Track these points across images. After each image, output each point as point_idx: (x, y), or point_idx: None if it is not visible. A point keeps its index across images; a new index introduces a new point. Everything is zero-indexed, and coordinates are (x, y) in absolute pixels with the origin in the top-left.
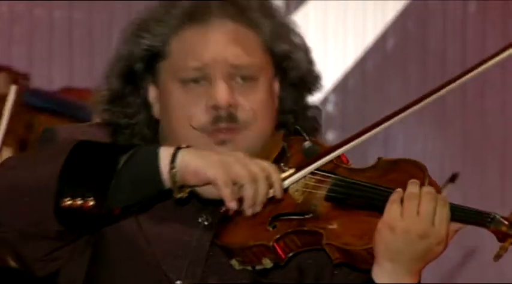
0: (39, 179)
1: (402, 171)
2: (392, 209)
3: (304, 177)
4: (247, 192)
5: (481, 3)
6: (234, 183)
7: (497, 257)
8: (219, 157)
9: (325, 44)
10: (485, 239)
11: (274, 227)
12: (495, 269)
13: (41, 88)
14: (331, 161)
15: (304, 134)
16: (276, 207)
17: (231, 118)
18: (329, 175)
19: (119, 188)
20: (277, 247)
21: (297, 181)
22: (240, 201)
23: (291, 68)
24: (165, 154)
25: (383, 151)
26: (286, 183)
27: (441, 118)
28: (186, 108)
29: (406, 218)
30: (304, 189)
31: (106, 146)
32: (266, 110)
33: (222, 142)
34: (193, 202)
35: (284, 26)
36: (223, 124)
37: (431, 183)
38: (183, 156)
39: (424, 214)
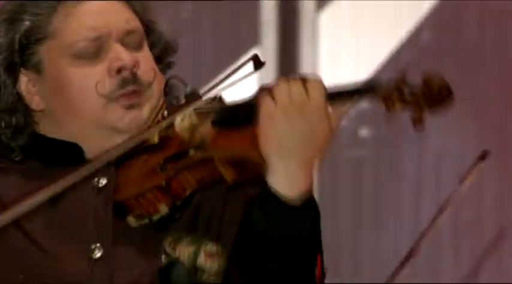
0: None
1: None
2: (264, 103)
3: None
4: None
5: None
6: None
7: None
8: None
9: (358, 38)
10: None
11: (164, 169)
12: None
13: None
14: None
15: (184, 81)
16: (165, 151)
17: (136, 80)
18: (209, 106)
19: None
20: (171, 186)
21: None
22: None
23: (155, 41)
24: None
25: (416, 146)
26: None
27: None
28: (89, 78)
29: (281, 100)
30: (191, 124)
31: None
32: (157, 72)
33: (131, 106)
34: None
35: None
36: (130, 87)
37: None
38: None
39: (296, 92)
